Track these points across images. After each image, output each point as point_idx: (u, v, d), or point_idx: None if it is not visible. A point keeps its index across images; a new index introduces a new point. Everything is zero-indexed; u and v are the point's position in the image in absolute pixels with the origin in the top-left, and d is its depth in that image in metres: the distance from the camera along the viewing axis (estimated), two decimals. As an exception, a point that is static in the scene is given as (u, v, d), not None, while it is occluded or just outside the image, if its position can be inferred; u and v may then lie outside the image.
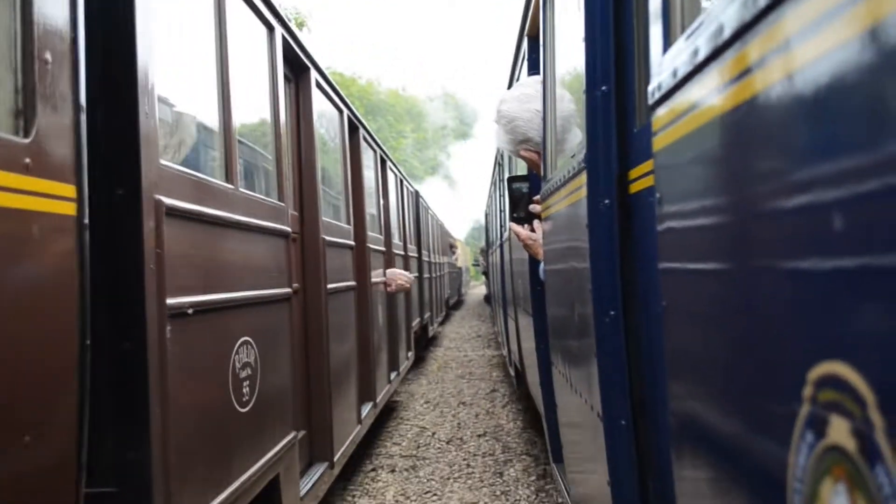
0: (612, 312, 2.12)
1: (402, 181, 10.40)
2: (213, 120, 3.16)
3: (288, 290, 3.79)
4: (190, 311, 2.48)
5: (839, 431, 0.77)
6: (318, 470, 4.50)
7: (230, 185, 3.02)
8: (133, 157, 2.20)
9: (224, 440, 2.81)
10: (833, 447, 0.78)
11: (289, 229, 3.84)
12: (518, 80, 5.08)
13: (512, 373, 9.12)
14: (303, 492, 4.01)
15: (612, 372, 2.13)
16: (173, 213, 2.39)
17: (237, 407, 2.94)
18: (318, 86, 5.02)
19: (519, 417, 8.27)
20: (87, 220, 1.79)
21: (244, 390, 3.04)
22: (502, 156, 8.09)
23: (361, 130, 6.78)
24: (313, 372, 4.66)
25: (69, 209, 1.72)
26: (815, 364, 0.82)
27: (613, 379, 2.13)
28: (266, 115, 3.92)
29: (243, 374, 3.03)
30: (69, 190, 1.72)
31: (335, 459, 4.77)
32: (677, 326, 1.43)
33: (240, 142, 3.45)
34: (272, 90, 3.88)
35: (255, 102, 3.76)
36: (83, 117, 1.80)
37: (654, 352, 1.91)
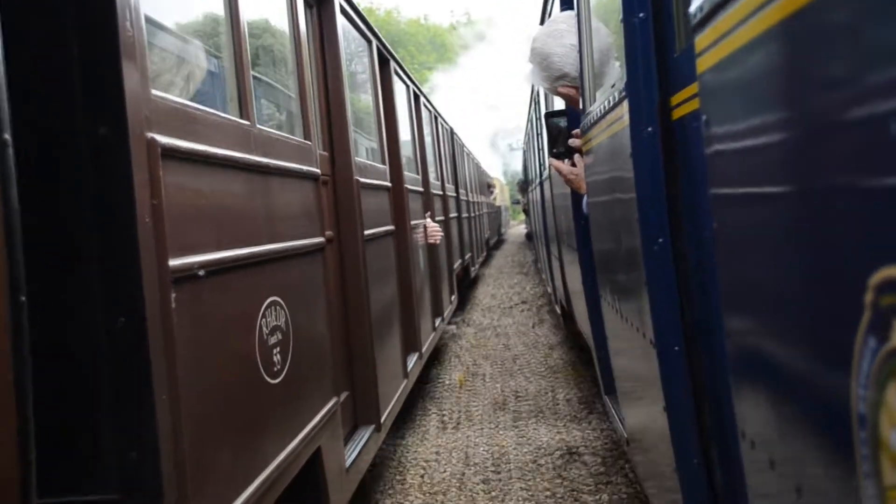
0: (661, 240, 2.12)
1: (436, 118, 9.89)
2: (221, 48, 2.71)
3: (320, 239, 3.37)
4: (201, 272, 2.06)
5: None
6: (364, 434, 4.12)
7: (245, 122, 2.58)
8: (114, 86, 1.75)
9: (253, 420, 2.41)
10: None
11: (318, 171, 3.39)
12: (550, 14, 5.05)
13: (558, 310, 9.08)
14: (348, 462, 3.63)
15: (664, 299, 2.13)
16: (173, 154, 1.95)
17: (267, 379, 2.54)
18: (344, 12, 4.53)
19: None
20: (8, 136, 1.34)
21: (275, 358, 2.63)
22: (538, 92, 8.08)
23: (392, 63, 6.28)
24: (353, 327, 4.26)
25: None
26: (875, 270, 0.81)
27: (665, 306, 2.13)
28: (285, 43, 3.46)
29: (272, 340, 2.62)
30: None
31: (382, 421, 4.38)
32: (730, 248, 1.41)
33: (255, 75, 3.00)
34: (291, 15, 3.41)
35: (270, 29, 3.30)
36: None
37: (705, 276, 1.94)
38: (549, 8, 5.38)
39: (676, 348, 2.11)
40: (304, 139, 3.35)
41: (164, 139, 1.90)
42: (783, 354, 1.16)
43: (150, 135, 1.85)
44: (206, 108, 2.27)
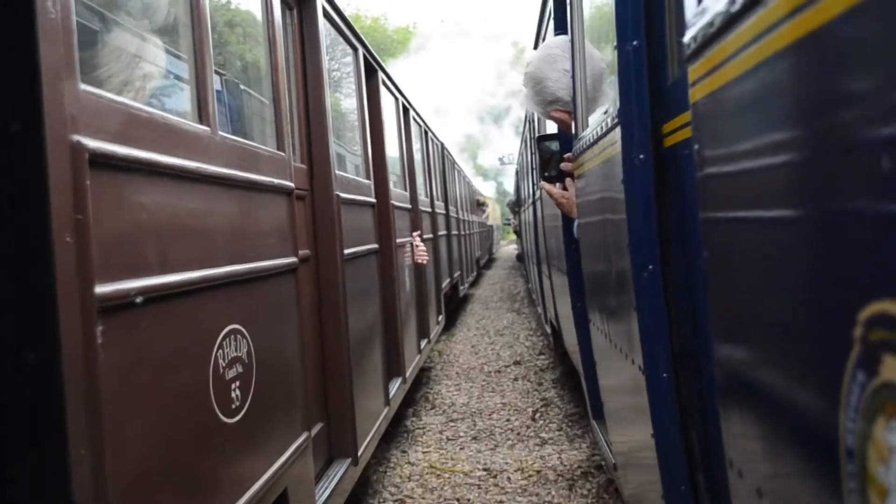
0: (651, 266, 2.12)
1: (426, 132, 9.62)
2: (179, 44, 2.43)
3: (293, 259, 3.07)
4: (139, 299, 1.76)
5: (892, 369, 0.76)
6: (339, 469, 3.81)
7: (205, 128, 2.29)
8: (29, 75, 1.46)
9: (204, 468, 2.11)
10: (886, 385, 0.77)
11: (291, 184, 3.10)
12: (544, 38, 5.07)
13: (548, 330, 8.80)
14: (320, 501, 3.32)
15: (653, 325, 2.13)
16: (107, 161, 1.66)
17: (223, 418, 2.24)
18: (327, 16, 4.25)
19: None
20: None
21: (233, 394, 2.33)
22: (533, 113, 7.91)
23: (380, 73, 6.00)
24: (329, 353, 3.96)
25: None
26: (864, 304, 0.80)
27: (654, 332, 2.13)
28: (258, 45, 3.18)
29: (231, 374, 2.33)
30: None
31: (359, 454, 4.08)
32: (721, 277, 1.40)
33: (220, 73, 2.72)
34: (266, 14, 3.13)
35: (241, 29, 3.01)
36: None
37: (695, 304, 1.94)
38: (543, 32, 5.35)
39: (665, 375, 2.11)
40: (277, 149, 3.06)
41: (93, 143, 1.61)
42: (772, 385, 1.15)
43: (75, 137, 1.55)
44: (154, 110, 1.97)
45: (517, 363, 8.99)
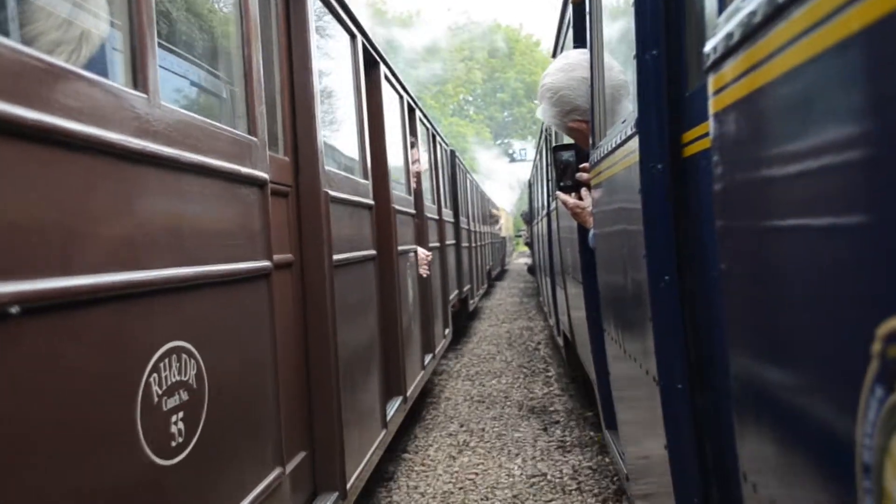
0: (667, 277, 2.10)
1: (434, 136, 9.14)
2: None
3: (265, 262, 2.61)
4: (13, 309, 1.29)
5: None
6: (324, 505, 3.33)
7: (140, 94, 1.83)
8: None
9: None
10: None
11: (264, 175, 2.63)
12: (563, 48, 5.11)
13: (560, 342, 8.58)
14: (295, 549, 2.84)
15: (669, 336, 2.11)
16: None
17: (156, 460, 1.77)
18: (318, -8, 3.79)
19: None
20: None
21: (173, 429, 1.86)
22: (549, 127, 7.87)
23: (382, 66, 5.53)
24: (315, 371, 3.47)
25: None
26: (883, 319, 0.78)
27: (670, 343, 2.11)
28: (225, 13, 2.72)
29: (171, 404, 1.86)
30: None
31: (348, 486, 3.59)
32: (736, 289, 1.37)
33: (166, 46, 2.27)
34: (239, -22, 2.67)
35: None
36: None
37: (711, 315, 1.92)
38: (561, 41, 5.34)
39: (680, 386, 2.08)
40: (249, 134, 2.60)
41: (-63, 89, 1.15)
42: (788, 398, 1.11)
43: None
44: (55, 61, 1.50)
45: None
